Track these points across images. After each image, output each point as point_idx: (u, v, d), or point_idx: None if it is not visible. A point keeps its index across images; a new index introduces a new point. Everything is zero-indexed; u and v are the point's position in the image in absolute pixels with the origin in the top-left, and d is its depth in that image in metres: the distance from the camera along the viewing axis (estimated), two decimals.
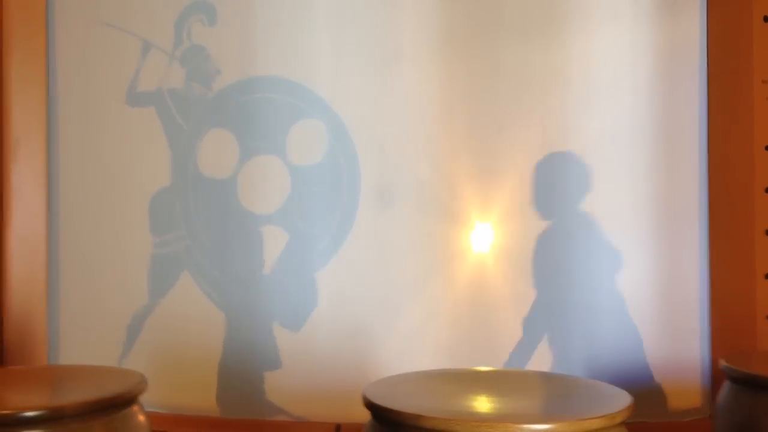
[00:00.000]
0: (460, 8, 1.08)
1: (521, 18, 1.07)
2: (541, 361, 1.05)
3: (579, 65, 1.06)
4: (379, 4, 1.08)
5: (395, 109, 1.08)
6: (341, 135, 1.09)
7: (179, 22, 1.11)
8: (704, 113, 1.06)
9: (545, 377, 0.80)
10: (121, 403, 0.72)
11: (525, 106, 1.07)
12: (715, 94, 1.05)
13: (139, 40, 1.12)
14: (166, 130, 1.11)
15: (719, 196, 1.05)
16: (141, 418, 0.74)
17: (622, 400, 0.68)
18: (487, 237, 1.08)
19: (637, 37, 1.06)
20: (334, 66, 1.09)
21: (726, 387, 0.87)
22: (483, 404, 0.69)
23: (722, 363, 0.87)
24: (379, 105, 1.09)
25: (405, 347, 1.07)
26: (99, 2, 1.13)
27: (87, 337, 1.12)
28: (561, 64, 1.06)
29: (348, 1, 1.09)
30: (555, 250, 1.06)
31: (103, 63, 1.13)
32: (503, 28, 1.07)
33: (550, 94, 1.07)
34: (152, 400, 1.06)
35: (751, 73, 1.03)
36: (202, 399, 1.09)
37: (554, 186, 1.06)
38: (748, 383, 0.83)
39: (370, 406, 0.68)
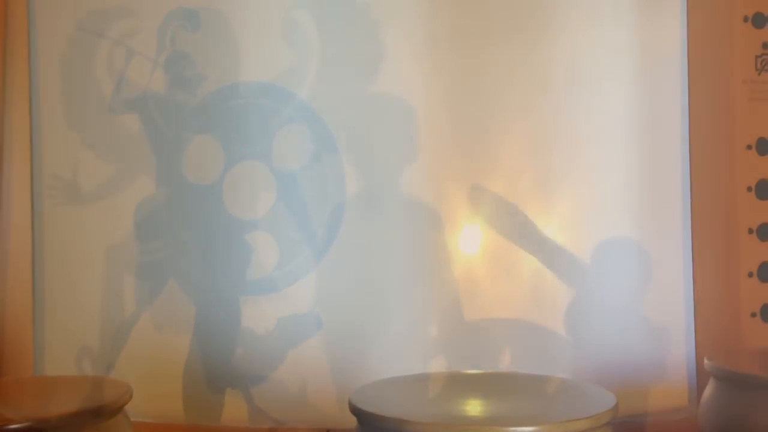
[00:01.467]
0: (443, 12, 1.08)
1: (504, 20, 1.07)
2: (527, 363, 1.05)
3: (562, 66, 1.07)
4: (362, 9, 1.08)
5: (380, 113, 1.08)
6: (326, 139, 1.09)
7: (162, 29, 1.11)
8: (686, 113, 1.07)
9: (531, 379, 0.80)
10: (107, 413, 0.71)
11: (509, 106, 1.07)
12: (696, 95, 1.06)
13: (122, 47, 1.11)
14: (150, 137, 1.11)
15: (702, 196, 1.06)
16: (127, 428, 0.74)
17: (608, 401, 0.69)
18: (474, 239, 1.08)
19: (619, 38, 1.06)
20: (318, 71, 1.09)
21: (711, 385, 0.88)
22: (470, 407, 0.69)
23: (707, 362, 0.88)
24: (363, 109, 1.09)
25: (394, 351, 1.07)
26: (81, 10, 1.12)
27: (73, 347, 1.11)
28: (544, 66, 1.07)
29: (332, 6, 1.09)
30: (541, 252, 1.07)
31: (87, 70, 1.12)
32: (487, 30, 1.07)
33: (533, 94, 1.07)
34: (138, 409, 1.05)
35: (732, 73, 1.04)
36: (190, 407, 1.09)
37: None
38: (732, 381, 0.84)
39: (356, 411, 0.68)
